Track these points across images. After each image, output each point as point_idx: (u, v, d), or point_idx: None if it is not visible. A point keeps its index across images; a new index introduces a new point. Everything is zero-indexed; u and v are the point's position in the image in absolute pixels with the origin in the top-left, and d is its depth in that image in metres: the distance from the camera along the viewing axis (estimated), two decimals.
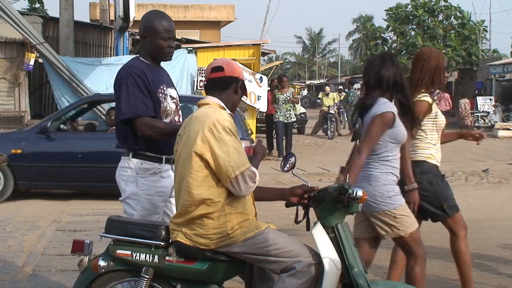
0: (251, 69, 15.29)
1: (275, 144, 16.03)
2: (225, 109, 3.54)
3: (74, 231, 7.56)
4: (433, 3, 34.09)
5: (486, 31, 36.20)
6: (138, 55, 4.22)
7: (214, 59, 3.81)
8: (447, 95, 27.08)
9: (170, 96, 4.15)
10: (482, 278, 5.90)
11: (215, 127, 3.35)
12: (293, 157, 3.91)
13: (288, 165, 3.87)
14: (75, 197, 10.20)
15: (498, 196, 10.98)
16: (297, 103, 16.58)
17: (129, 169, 4.04)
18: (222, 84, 3.58)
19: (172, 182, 3.99)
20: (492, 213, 9.28)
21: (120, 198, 4.13)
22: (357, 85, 44.20)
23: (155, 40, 4.04)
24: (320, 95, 23.26)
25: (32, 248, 6.82)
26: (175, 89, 4.30)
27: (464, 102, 25.21)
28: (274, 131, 16.08)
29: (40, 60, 15.07)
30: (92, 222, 8.04)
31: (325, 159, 15.88)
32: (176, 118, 4.17)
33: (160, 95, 4.05)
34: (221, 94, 3.58)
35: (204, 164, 3.37)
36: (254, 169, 3.41)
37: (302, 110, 22.52)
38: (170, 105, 4.13)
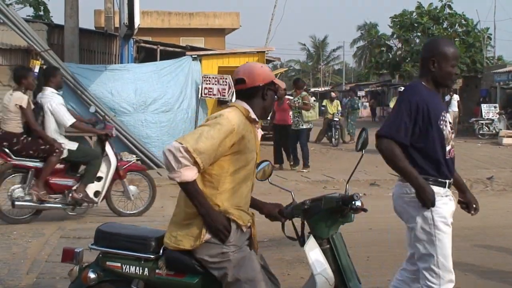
0: None
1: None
2: (249, 113, 3.53)
3: (78, 238, 7.56)
4: (438, 11, 34.11)
5: (491, 39, 36.19)
6: (419, 78, 4.21)
7: (236, 68, 3.75)
8: None
9: (449, 122, 4.15)
10: (487, 286, 5.88)
11: (214, 117, 3.43)
12: (268, 165, 3.86)
13: (261, 173, 3.83)
14: None
15: (502, 203, 10.95)
16: (307, 110, 14.99)
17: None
18: (247, 95, 3.59)
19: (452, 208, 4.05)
20: (496, 221, 9.25)
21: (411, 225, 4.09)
22: (361, 93, 44.29)
23: (446, 66, 4.08)
24: (324, 102, 23.20)
25: (36, 255, 6.82)
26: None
27: None
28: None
29: (45, 67, 15.10)
30: None
31: (330, 166, 15.86)
32: (449, 147, 4.13)
33: (441, 123, 4.05)
34: (249, 103, 3.58)
35: None
36: (183, 159, 3.26)
37: None
38: (449, 131, 4.13)
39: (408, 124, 3.94)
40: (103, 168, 8.69)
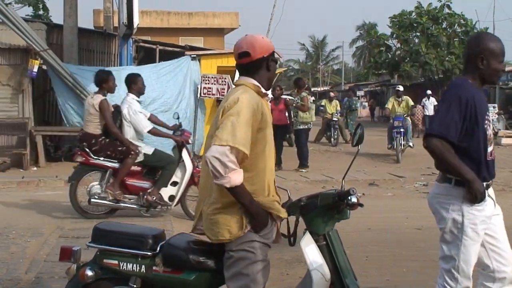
0: None
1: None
2: (260, 88, 3.52)
3: (77, 238, 7.54)
4: (437, 11, 34.09)
5: None
6: (464, 75, 4.10)
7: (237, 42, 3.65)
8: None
9: (491, 121, 4.10)
10: None
11: (234, 103, 3.34)
12: None
13: None
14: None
15: (501, 203, 10.81)
16: (303, 111, 14.91)
17: (451, 196, 3.96)
18: (253, 68, 3.55)
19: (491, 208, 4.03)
20: None
21: (440, 226, 4.03)
22: (360, 93, 44.30)
23: (494, 63, 3.99)
24: (323, 102, 23.16)
25: (35, 254, 6.81)
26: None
27: (417, 109, 26.95)
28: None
29: (44, 67, 15.10)
30: None
31: (329, 166, 15.86)
32: (491, 148, 4.06)
33: (486, 122, 3.99)
34: (254, 76, 3.55)
35: None
36: (229, 162, 3.22)
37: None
38: (491, 132, 4.09)
39: (458, 122, 3.84)
40: (178, 174, 8.92)
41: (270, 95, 13.33)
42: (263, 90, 3.54)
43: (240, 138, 3.24)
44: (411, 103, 18.38)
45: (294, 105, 14.91)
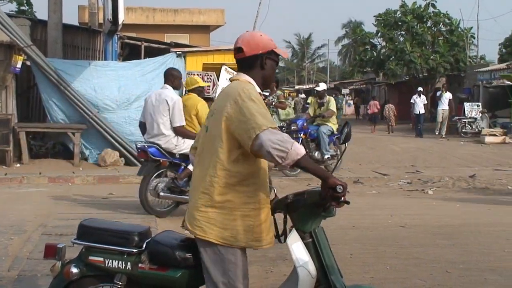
0: None
1: None
2: (254, 85, 3.47)
3: (60, 235, 7.51)
4: (422, 10, 34.31)
5: (474, 38, 36.42)
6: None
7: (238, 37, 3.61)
8: (376, 102, 28.76)
9: None
10: (467, 284, 5.91)
11: (240, 97, 3.27)
12: None
13: None
14: (62, 201, 10.15)
15: (484, 201, 11.02)
16: (283, 108, 14.87)
17: None
18: (247, 64, 3.51)
19: None
20: (478, 218, 9.32)
21: None
22: (345, 90, 44.42)
23: None
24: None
25: (18, 252, 6.77)
26: None
27: (388, 107, 29.36)
28: None
29: (28, 63, 14.98)
30: None
31: None
32: None
33: None
34: (249, 72, 3.51)
35: (231, 136, 3.28)
36: (285, 136, 3.15)
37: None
38: None
39: None
40: None
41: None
42: (257, 88, 3.48)
43: (270, 119, 3.21)
44: (333, 105, 14.10)
45: (273, 104, 14.77)
